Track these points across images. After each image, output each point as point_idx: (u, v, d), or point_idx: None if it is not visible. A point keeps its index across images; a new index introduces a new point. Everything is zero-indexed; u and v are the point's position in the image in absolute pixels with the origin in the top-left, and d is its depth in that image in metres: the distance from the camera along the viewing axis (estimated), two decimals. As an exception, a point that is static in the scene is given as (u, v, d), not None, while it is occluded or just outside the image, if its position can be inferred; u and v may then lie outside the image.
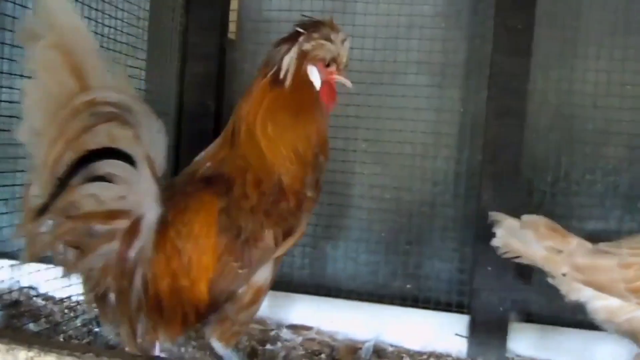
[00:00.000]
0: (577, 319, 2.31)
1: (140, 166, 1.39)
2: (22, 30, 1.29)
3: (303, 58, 1.58)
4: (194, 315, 1.51)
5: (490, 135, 2.17)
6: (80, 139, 1.30)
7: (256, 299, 1.57)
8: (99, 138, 1.33)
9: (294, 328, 2.30)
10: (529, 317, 2.31)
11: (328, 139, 1.64)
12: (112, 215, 1.39)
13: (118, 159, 1.35)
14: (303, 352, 2.13)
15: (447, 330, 2.26)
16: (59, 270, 1.41)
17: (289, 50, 1.58)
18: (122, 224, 1.41)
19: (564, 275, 1.71)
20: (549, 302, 2.37)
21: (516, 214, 2.15)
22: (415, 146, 2.47)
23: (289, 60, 1.58)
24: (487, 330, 2.19)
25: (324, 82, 1.61)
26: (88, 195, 1.34)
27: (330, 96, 1.64)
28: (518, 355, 2.21)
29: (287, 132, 1.57)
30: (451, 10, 2.40)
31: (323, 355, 2.11)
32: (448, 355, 2.20)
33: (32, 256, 1.36)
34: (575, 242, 1.70)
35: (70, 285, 2.01)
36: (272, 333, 2.26)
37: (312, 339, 2.22)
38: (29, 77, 1.31)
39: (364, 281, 2.52)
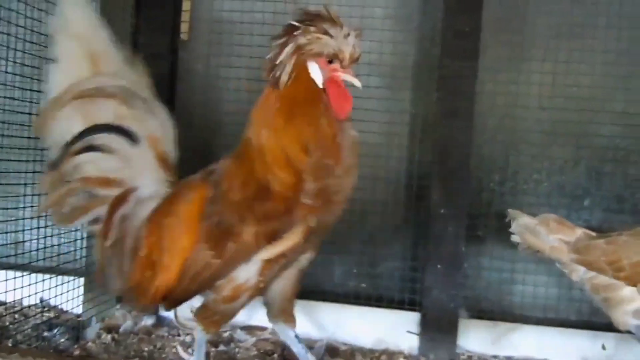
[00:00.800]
0: (526, 314, 2.41)
1: (141, 144, 1.61)
2: (52, 23, 1.61)
3: (299, 53, 1.46)
4: (163, 290, 1.57)
5: (439, 136, 2.21)
6: (89, 111, 1.59)
7: (236, 296, 1.56)
8: (107, 115, 1.60)
9: (249, 329, 2.30)
10: (480, 314, 2.36)
11: (338, 140, 1.48)
12: (106, 182, 1.62)
13: (120, 135, 1.60)
14: (256, 353, 2.14)
15: (399, 328, 2.30)
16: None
17: (284, 46, 1.47)
18: (114, 192, 1.62)
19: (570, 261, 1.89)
20: (499, 298, 2.44)
21: (465, 212, 2.24)
22: (368, 147, 2.49)
23: (283, 57, 1.47)
24: (438, 327, 2.23)
25: (329, 81, 1.49)
26: (88, 161, 1.60)
27: (340, 97, 1.50)
28: (468, 351, 2.26)
29: (278, 135, 1.49)
30: (401, 13, 2.44)
31: (275, 355, 2.12)
32: (400, 352, 2.24)
33: (48, 206, 1.64)
34: (580, 232, 1.90)
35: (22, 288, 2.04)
36: (226, 334, 2.26)
37: (266, 339, 2.22)
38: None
39: (320, 281, 2.54)
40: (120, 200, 1.62)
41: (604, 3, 2.36)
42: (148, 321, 2.32)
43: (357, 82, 1.50)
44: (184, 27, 2.46)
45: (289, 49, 1.47)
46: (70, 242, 2.29)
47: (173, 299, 1.61)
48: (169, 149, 1.67)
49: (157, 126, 1.65)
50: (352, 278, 2.54)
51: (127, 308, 1.68)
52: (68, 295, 2.27)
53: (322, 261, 2.55)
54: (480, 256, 2.43)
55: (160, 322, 2.34)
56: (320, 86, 1.49)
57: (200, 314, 1.63)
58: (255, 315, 2.31)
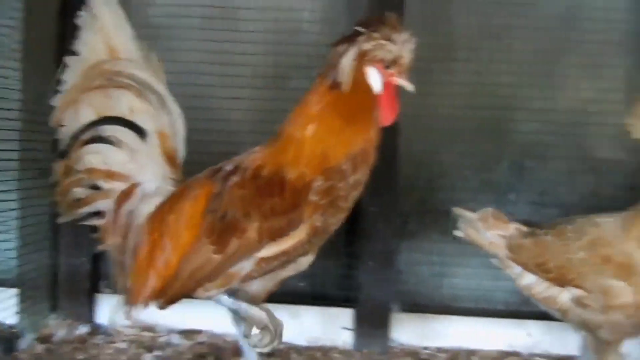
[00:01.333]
0: (457, 306, 2.49)
1: (149, 140, 1.62)
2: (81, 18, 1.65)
3: (362, 59, 1.47)
4: (159, 286, 1.53)
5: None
6: (101, 103, 1.62)
7: (224, 284, 1.53)
8: (120, 107, 1.62)
9: (185, 333, 2.32)
10: (413, 308, 2.44)
11: (374, 153, 1.52)
12: (111, 175, 1.62)
13: (129, 128, 1.61)
14: (190, 356, 2.15)
15: (335, 325, 2.35)
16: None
17: (347, 50, 1.47)
18: (120, 185, 1.62)
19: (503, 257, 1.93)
20: (432, 292, 2.52)
21: (394, 210, 2.31)
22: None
23: (347, 61, 1.47)
24: (371, 322, 2.30)
25: (385, 87, 1.51)
26: (95, 152, 1.61)
27: (392, 103, 1.53)
28: (401, 344, 2.33)
29: (330, 135, 1.49)
30: (329, 17, 2.49)
31: (211, 358, 2.14)
32: (334, 348, 2.29)
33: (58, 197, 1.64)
34: (513, 227, 1.92)
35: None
36: (162, 339, 2.27)
37: (202, 343, 2.25)
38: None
39: (259, 282, 2.57)
40: (126, 194, 1.62)
41: (523, 5, 2.46)
42: (83, 329, 2.31)
43: (412, 88, 1.52)
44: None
45: (352, 53, 1.47)
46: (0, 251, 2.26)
47: (169, 297, 1.55)
48: (178, 147, 1.68)
49: (168, 123, 1.65)
50: (291, 278, 2.57)
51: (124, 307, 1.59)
52: (1, 306, 2.24)
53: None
54: (413, 251, 2.50)
55: (96, 330, 2.34)
56: (378, 92, 1.51)
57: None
58: (190, 319, 2.33)
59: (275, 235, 1.48)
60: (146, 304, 1.57)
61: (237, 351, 2.18)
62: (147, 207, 1.61)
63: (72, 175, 1.63)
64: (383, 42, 1.47)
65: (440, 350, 2.31)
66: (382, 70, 1.49)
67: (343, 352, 2.27)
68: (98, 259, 2.39)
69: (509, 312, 2.42)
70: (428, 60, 2.46)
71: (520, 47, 2.46)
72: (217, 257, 1.49)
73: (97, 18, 1.63)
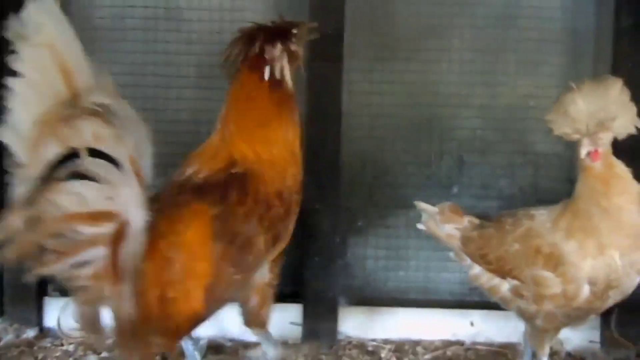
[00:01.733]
0: (403, 298, 2.56)
1: (124, 168, 1.37)
2: (13, 30, 1.33)
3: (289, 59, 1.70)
4: (187, 325, 1.55)
5: (310, 135, 2.30)
6: (65, 134, 1.31)
7: (265, 297, 1.76)
8: (84, 136, 1.33)
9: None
10: (362, 301, 2.49)
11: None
12: (96, 216, 1.36)
13: (104, 159, 1.35)
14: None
15: (284, 320, 2.39)
16: None
17: (283, 49, 1.69)
18: (108, 227, 1.38)
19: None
20: (379, 285, 2.58)
21: (338, 206, 2.35)
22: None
23: (284, 61, 1.68)
24: (319, 317, 2.35)
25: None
26: (71, 193, 1.32)
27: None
28: (348, 337, 2.39)
29: (286, 132, 1.71)
30: (270, 15, 2.50)
31: (157, 357, 2.16)
32: (284, 343, 2.33)
33: (14, 255, 1.30)
34: (466, 220, 2.01)
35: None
36: (110, 341, 2.26)
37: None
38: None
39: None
40: (119, 236, 1.40)
41: (463, 4, 2.53)
42: (31, 333, 2.30)
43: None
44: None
45: (286, 53, 1.70)
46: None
47: (198, 324, 1.61)
48: (146, 166, 1.46)
49: (137, 145, 1.43)
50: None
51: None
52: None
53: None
54: (360, 246, 2.56)
55: (43, 333, 2.33)
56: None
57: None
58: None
59: (276, 240, 1.67)
60: (179, 341, 1.71)
61: (182, 351, 2.22)
62: (140, 246, 1.45)
63: (39, 227, 1.32)
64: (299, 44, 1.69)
65: (386, 341, 2.37)
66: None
67: (292, 346, 2.32)
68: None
69: (454, 302, 2.50)
70: (370, 59, 2.53)
71: (461, 46, 2.53)
72: (238, 277, 1.59)
73: (40, 29, 1.33)
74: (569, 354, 2.30)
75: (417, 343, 2.36)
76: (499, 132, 2.56)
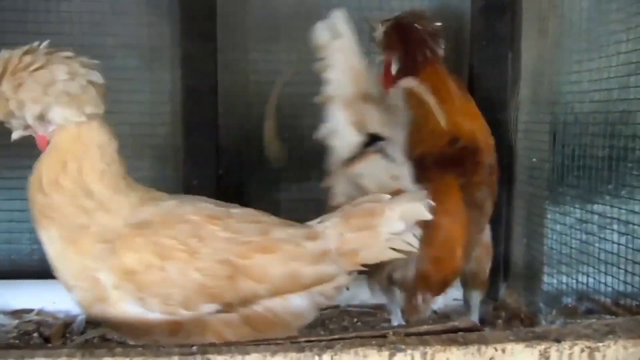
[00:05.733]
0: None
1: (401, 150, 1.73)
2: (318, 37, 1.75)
3: None
4: (451, 280, 1.83)
5: (186, 112, 2.38)
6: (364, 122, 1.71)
7: (488, 254, 1.99)
8: (375, 123, 1.72)
9: (15, 313, 2.34)
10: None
11: None
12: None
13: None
14: (15, 334, 2.19)
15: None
16: None
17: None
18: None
19: None
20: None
21: (214, 183, 2.44)
22: (133, 126, 2.60)
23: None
24: None
25: None
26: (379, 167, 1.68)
27: None
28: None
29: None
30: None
31: (35, 334, 2.19)
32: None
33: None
34: None
35: None
36: (-13, 321, 2.27)
37: (30, 321, 2.28)
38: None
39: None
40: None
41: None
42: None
43: None
44: None
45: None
46: None
47: (455, 279, 1.90)
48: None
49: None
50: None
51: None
52: None
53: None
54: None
55: None
56: None
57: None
58: (20, 299, 2.36)
59: (494, 202, 2.01)
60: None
61: (61, 326, 2.25)
62: None
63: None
64: None
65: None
66: None
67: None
68: None
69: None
70: (254, 39, 2.60)
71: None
72: (478, 237, 1.90)
73: (340, 36, 1.72)
74: (434, 312, 2.49)
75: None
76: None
